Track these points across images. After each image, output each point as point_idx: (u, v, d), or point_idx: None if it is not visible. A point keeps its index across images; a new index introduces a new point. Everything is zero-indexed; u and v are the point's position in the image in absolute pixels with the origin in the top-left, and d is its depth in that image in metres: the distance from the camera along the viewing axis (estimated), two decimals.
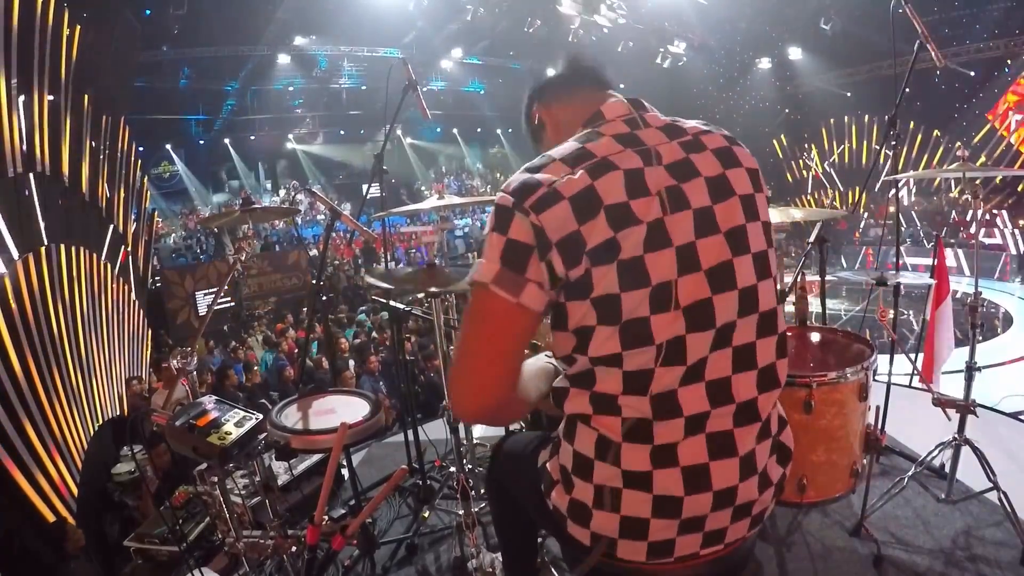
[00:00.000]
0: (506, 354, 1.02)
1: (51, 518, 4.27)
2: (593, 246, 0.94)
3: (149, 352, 9.13)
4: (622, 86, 1.20)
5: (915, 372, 3.35)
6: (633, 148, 1.02)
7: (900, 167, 2.69)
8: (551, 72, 1.24)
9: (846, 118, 17.87)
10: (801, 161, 19.26)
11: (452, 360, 1.06)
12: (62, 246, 6.22)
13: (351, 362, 7.18)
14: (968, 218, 14.23)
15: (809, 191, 19.03)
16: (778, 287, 1.13)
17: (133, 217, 9.67)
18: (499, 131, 23.42)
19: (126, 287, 8.52)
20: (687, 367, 0.99)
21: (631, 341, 0.97)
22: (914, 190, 16.08)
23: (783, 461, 1.15)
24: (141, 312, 9.27)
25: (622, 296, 0.95)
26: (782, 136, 19.53)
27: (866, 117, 17.30)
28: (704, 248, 0.99)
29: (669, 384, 0.99)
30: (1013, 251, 13.60)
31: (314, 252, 14.67)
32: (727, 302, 1.01)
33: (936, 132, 15.80)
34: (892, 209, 3.01)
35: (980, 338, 2.43)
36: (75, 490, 4.91)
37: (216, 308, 2.64)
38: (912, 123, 15.57)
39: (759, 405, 1.06)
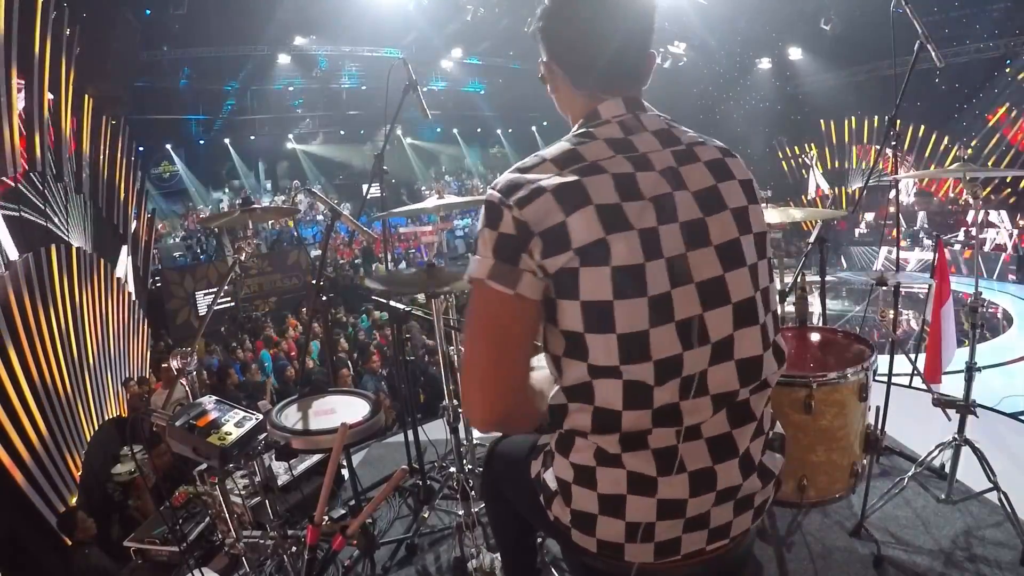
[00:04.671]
0: (511, 352, 1.00)
1: (51, 518, 4.27)
2: (582, 245, 0.93)
3: (149, 352, 9.14)
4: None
5: (915, 372, 3.35)
6: (624, 154, 1.00)
7: (900, 167, 2.69)
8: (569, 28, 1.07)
9: (846, 118, 17.86)
10: (801, 160, 19.26)
11: (461, 367, 1.03)
12: (62, 246, 6.22)
13: (348, 362, 7.18)
14: (968, 218, 14.23)
15: (809, 191, 19.03)
16: (774, 292, 1.13)
17: (133, 217, 9.68)
18: (499, 131, 23.42)
19: (126, 287, 8.52)
20: (682, 379, 0.98)
21: (628, 355, 0.95)
22: (914, 190, 16.08)
23: (780, 450, 1.17)
24: (141, 312, 9.27)
25: (615, 304, 0.94)
26: (782, 136, 19.53)
27: (866, 117, 17.30)
28: (696, 261, 0.98)
29: (670, 398, 0.99)
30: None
31: (315, 252, 14.66)
32: (721, 318, 1.00)
33: (936, 132, 15.80)
34: (892, 209, 3.01)
35: (980, 337, 2.42)
36: (76, 491, 4.91)
37: (216, 308, 2.63)
38: (912, 123, 15.57)
39: (751, 406, 1.07)
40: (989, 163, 14.14)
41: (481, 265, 0.97)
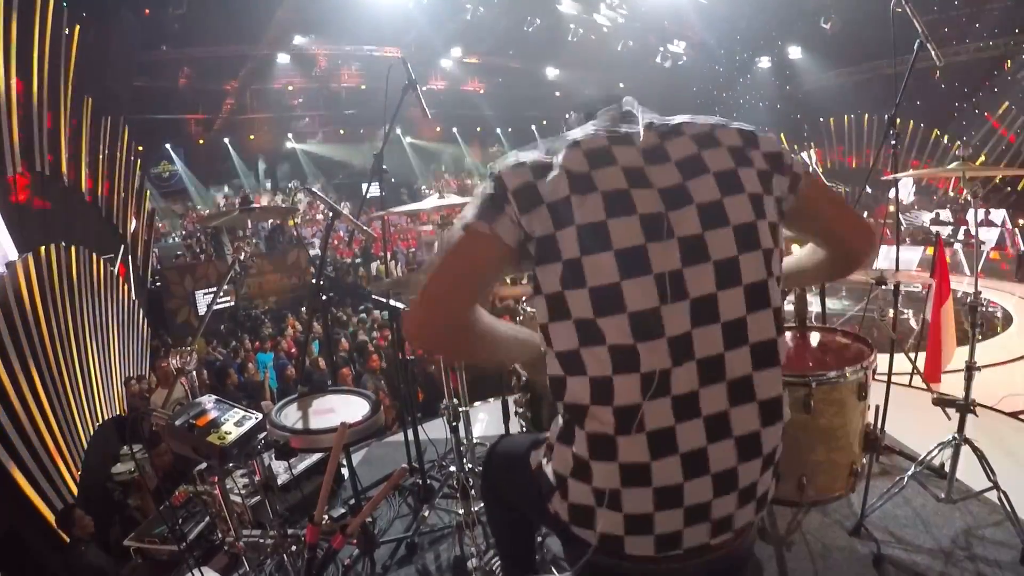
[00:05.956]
0: (467, 278, 1.07)
1: (51, 517, 4.27)
2: (552, 202, 1.01)
3: (149, 352, 9.13)
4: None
5: (915, 372, 3.35)
6: (605, 131, 1.08)
7: (899, 167, 2.69)
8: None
9: (846, 118, 17.87)
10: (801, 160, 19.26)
11: (420, 287, 1.08)
12: (62, 246, 6.21)
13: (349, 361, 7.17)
14: (968, 217, 14.22)
15: None
16: (777, 258, 1.08)
17: (133, 217, 9.67)
18: (499, 131, 23.41)
19: (126, 287, 8.52)
20: (666, 339, 0.98)
21: (602, 308, 0.99)
22: (913, 189, 16.08)
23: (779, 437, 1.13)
24: (141, 312, 9.27)
25: (583, 260, 0.99)
26: (782, 136, 19.55)
27: (866, 117, 17.31)
28: (677, 219, 1.01)
29: (658, 363, 0.99)
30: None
31: (314, 252, 14.65)
32: (700, 274, 1.00)
33: (936, 132, 15.82)
34: (892, 208, 3.01)
35: (979, 337, 2.42)
36: (75, 490, 4.92)
37: (216, 308, 2.64)
38: (912, 123, 15.58)
39: (754, 383, 1.04)
40: (990, 162, 14.14)
41: (468, 210, 1.07)
